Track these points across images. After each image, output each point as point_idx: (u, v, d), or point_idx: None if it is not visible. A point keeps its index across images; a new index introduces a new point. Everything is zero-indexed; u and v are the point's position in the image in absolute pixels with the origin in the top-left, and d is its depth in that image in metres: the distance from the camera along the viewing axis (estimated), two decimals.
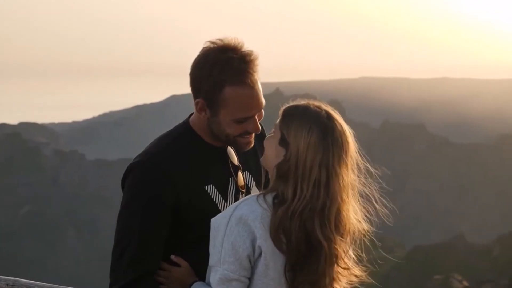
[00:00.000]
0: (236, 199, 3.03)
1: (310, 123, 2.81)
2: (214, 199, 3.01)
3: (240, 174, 3.10)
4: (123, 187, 3.03)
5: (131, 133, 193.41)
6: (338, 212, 2.80)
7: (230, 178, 3.07)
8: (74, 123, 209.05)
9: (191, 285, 2.93)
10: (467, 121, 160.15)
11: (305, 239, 2.76)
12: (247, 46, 2.98)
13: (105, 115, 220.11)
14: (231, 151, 3.10)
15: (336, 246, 2.80)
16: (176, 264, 2.99)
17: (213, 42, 2.96)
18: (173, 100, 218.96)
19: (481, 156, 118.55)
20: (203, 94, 2.95)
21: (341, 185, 2.80)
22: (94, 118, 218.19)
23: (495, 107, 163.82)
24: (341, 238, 2.81)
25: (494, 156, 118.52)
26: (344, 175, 2.81)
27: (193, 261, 2.97)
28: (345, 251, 2.83)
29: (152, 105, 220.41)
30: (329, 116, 2.84)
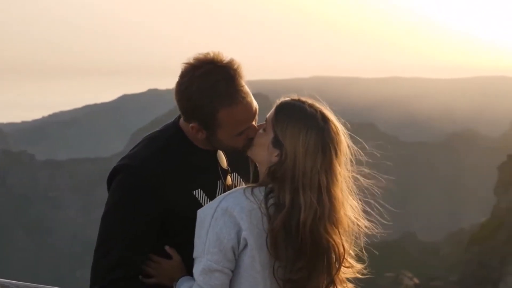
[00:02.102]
0: None
1: (307, 126, 2.78)
2: (203, 204, 2.98)
3: (228, 177, 3.07)
4: (109, 187, 2.98)
5: (81, 133, 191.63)
6: (338, 213, 2.80)
7: (219, 181, 3.04)
8: (23, 123, 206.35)
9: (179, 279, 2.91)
10: (417, 120, 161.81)
11: (312, 245, 2.75)
12: (221, 52, 2.89)
13: (55, 115, 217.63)
14: (220, 154, 3.07)
15: (344, 246, 2.81)
16: (168, 257, 2.96)
17: (190, 64, 2.88)
18: (125, 99, 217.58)
19: (430, 154, 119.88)
20: (197, 120, 2.90)
21: (339, 185, 2.81)
22: (43, 118, 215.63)
23: (444, 106, 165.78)
24: (343, 237, 2.82)
25: (443, 154, 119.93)
26: (340, 177, 2.81)
27: (185, 260, 2.93)
28: (347, 250, 2.84)
29: (103, 104, 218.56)
30: (324, 118, 2.82)
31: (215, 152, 3.05)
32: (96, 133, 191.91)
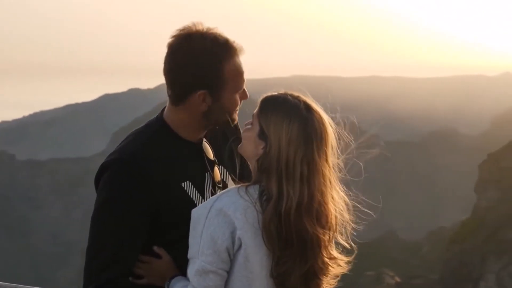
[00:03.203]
0: (213, 194, 2.98)
1: (290, 116, 2.78)
2: (191, 196, 2.97)
3: (216, 169, 3.07)
4: (97, 185, 2.95)
5: (62, 133, 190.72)
6: (320, 204, 2.78)
7: (206, 174, 3.04)
8: (3, 122, 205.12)
9: (171, 279, 2.87)
10: (397, 119, 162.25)
11: (296, 235, 2.74)
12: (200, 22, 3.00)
13: (35, 114, 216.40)
14: (206, 146, 3.07)
15: (322, 238, 2.78)
16: (158, 256, 2.92)
17: (180, 35, 2.92)
18: (106, 99, 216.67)
19: (410, 153, 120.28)
20: (203, 84, 2.92)
21: (322, 177, 2.78)
22: (24, 118, 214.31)
23: (423, 105, 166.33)
24: (324, 229, 2.79)
25: (423, 153, 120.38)
26: (323, 168, 2.79)
27: (177, 259, 2.91)
28: (328, 241, 2.81)
29: (84, 104, 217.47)
30: (308, 108, 2.81)
31: (201, 145, 3.05)
32: (77, 132, 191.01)
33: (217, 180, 3.06)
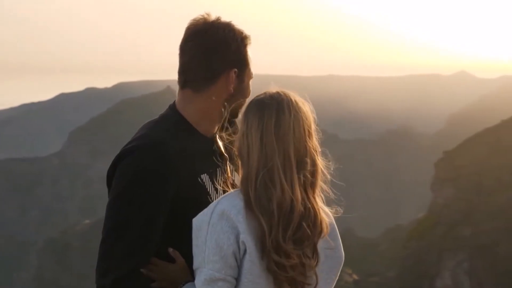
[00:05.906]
0: (225, 190, 2.94)
1: (249, 103, 2.82)
2: (208, 189, 2.94)
3: (228, 166, 3.05)
4: (111, 174, 2.87)
5: (18, 133, 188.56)
6: (268, 182, 2.69)
7: (218, 169, 3.01)
8: None
9: (183, 284, 2.79)
10: (353, 117, 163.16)
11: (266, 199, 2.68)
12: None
13: None
14: (219, 142, 3.06)
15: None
16: (171, 259, 2.85)
17: (202, 23, 2.99)
18: (62, 98, 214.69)
19: (368, 151, 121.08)
20: (235, 62, 2.99)
21: (258, 156, 2.69)
22: None
23: (379, 104, 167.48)
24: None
25: (381, 151, 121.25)
26: (266, 148, 2.69)
27: (187, 253, 2.81)
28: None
29: (40, 103, 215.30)
30: (261, 97, 2.80)
31: (215, 140, 3.05)
32: (33, 132, 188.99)
33: (228, 176, 3.03)
